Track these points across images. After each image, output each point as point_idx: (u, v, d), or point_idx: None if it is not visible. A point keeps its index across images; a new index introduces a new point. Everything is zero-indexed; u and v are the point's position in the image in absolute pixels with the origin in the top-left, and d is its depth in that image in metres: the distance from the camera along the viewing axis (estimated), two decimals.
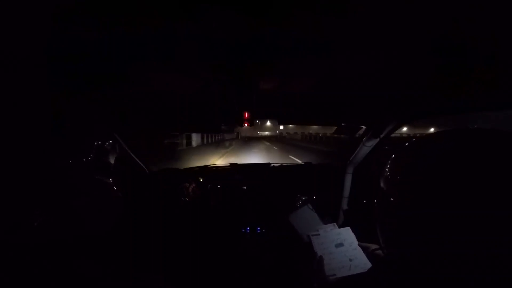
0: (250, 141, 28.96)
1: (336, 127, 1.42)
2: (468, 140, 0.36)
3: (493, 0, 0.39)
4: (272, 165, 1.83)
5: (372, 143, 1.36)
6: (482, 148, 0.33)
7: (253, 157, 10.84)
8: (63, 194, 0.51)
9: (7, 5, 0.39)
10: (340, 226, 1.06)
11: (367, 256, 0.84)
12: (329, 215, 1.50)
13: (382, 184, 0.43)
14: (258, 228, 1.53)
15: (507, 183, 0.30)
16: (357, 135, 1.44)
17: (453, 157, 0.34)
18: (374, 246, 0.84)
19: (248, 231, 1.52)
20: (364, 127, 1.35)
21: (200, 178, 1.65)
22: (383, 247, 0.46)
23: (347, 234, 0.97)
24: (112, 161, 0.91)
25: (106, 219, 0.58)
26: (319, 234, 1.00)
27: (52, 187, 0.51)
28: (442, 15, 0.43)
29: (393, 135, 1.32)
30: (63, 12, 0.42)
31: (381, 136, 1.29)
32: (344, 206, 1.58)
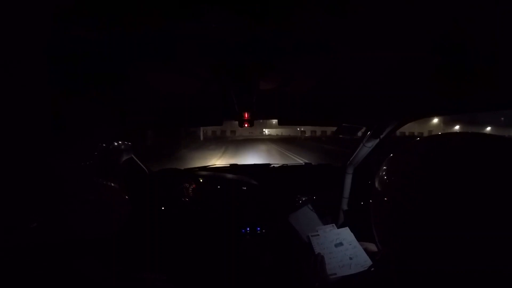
0: None
1: (336, 127, 1.42)
2: (461, 144, 0.37)
3: (493, 0, 0.39)
4: (272, 165, 1.83)
5: (372, 143, 1.36)
6: (474, 152, 0.35)
7: None
8: (66, 197, 0.51)
9: (7, 5, 0.39)
10: (340, 227, 1.06)
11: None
12: (329, 216, 1.50)
13: (376, 184, 0.43)
14: (258, 228, 1.53)
15: (497, 184, 0.31)
16: (357, 135, 1.45)
17: (446, 160, 0.35)
18: (372, 245, 0.84)
19: (248, 231, 1.52)
20: (364, 127, 1.35)
21: (200, 178, 1.65)
22: (379, 246, 0.46)
23: (346, 234, 0.98)
24: (118, 163, 0.91)
25: (112, 224, 0.58)
26: (318, 235, 1.01)
27: (54, 189, 0.51)
28: (442, 15, 0.43)
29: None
30: (63, 12, 0.42)
31: (381, 136, 1.29)
32: (344, 206, 1.58)
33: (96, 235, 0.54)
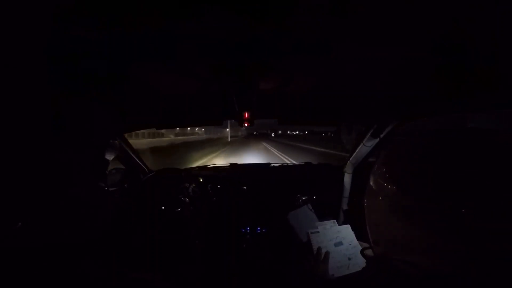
0: None
1: (336, 127, 1.42)
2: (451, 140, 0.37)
3: (493, 0, 0.39)
4: (272, 165, 1.83)
5: (372, 143, 1.36)
6: (461, 148, 0.34)
7: None
8: (64, 196, 0.51)
9: (7, 5, 0.39)
10: (340, 225, 1.06)
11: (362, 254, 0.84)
12: (329, 215, 1.50)
13: (371, 183, 0.43)
14: (258, 228, 1.52)
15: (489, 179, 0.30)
16: (357, 135, 1.44)
17: (437, 156, 0.35)
18: (366, 245, 0.84)
19: (248, 230, 1.52)
20: (364, 127, 1.35)
21: (200, 178, 1.65)
22: (372, 246, 0.46)
23: (347, 232, 0.97)
24: (109, 162, 0.91)
25: (99, 222, 0.58)
26: (318, 232, 1.00)
27: (54, 189, 0.51)
28: (442, 15, 0.43)
29: None
30: (63, 12, 0.42)
31: (381, 136, 1.29)
32: (344, 206, 1.58)
33: (89, 235, 0.54)
